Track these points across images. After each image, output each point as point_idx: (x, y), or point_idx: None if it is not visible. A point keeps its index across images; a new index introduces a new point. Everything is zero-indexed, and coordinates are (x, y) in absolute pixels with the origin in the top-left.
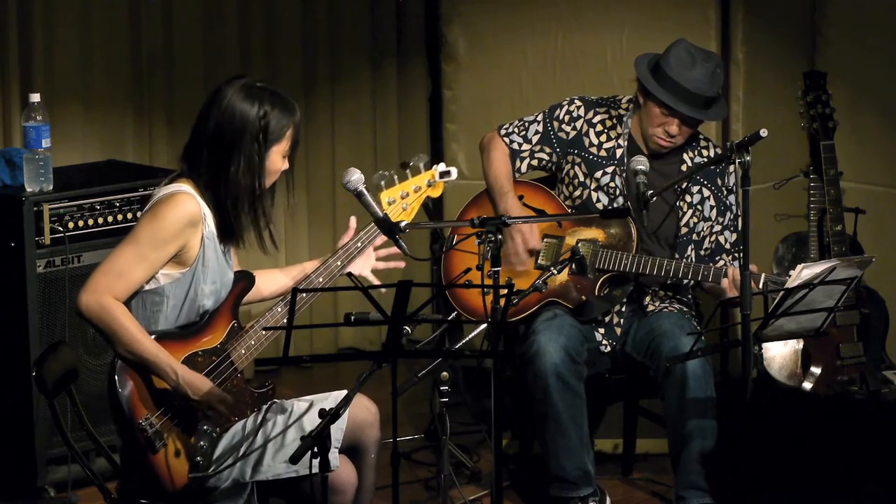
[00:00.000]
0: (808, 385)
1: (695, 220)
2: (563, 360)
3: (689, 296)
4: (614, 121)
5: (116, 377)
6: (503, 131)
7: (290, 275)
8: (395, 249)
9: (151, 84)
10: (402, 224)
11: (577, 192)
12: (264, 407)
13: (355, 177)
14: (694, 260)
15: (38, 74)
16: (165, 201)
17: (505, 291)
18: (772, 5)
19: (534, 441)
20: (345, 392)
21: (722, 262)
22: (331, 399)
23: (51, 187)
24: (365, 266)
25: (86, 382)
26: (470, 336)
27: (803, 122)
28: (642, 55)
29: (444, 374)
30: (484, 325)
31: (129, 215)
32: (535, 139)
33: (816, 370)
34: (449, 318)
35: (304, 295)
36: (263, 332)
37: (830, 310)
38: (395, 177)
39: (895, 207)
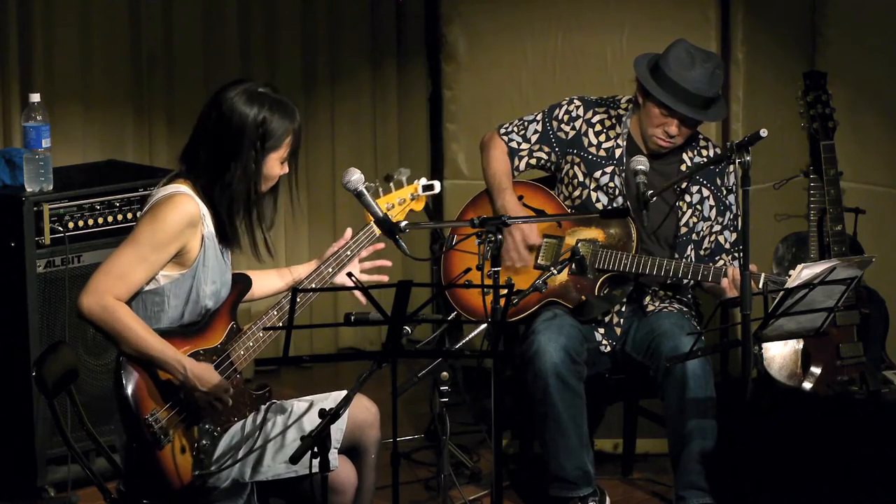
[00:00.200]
0: (808, 385)
1: (694, 219)
2: (562, 360)
3: (689, 296)
4: (613, 121)
5: (122, 372)
6: (503, 130)
7: (284, 279)
8: (379, 262)
9: (151, 84)
10: (403, 224)
11: (577, 192)
12: (263, 407)
13: (355, 177)
14: (694, 260)
15: (38, 74)
16: (165, 202)
17: (505, 291)
18: (772, 5)
19: (534, 441)
20: (345, 392)
21: (722, 262)
22: (331, 399)
23: (51, 187)
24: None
25: (86, 382)
26: (470, 336)
27: (803, 122)
28: (642, 55)
29: (444, 374)
30: (484, 325)
31: (129, 215)
32: (533, 138)
33: (816, 370)
34: (449, 318)
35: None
36: (262, 335)
37: (830, 310)
38: (380, 189)
39: (895, 207)
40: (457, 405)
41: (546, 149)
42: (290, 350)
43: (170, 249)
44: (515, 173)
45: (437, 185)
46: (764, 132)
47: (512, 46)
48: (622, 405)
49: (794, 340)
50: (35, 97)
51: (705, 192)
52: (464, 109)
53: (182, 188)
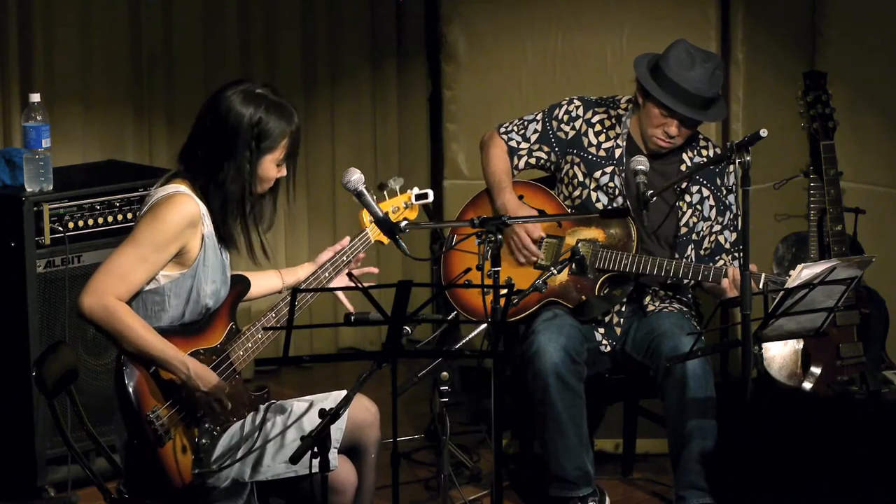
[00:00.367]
0: (808, 385)
1: (694, 219)
2: (562, 360)
3: (689, 296)
4: (613, 121)
5: (124, 369)
6: (502, 129)
7: (282, 278)
8: (367, 269)
9: (151, 84)
10: (403, 224)
11: (577, 192)
12: (262, 407)
13: (355, 177)
14: (694, 260)
15: (38, 74)
16: (164, 202)
17: (505, 291)
18: (772, 5)
19: (534, 441)
20: (345, 392)
21: (722, 262)
22: (331, 399)
23: (51, 187)
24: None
25: (86, 382)
26: (470, 336)
27: (803, 122)
28: (642, 55)
29: (444, 374)
30: (484, 325)
31: (129, 215)
32: (533, 138)
33: (816, 370)
34: (449, 318)
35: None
36: (261, 335)
37: (830, 310)
38: (374, 197)
39: (895, 207)
40: (457, 405)
41: (545, 148)
42: (289, 350)
43: (170, 249)
44: (515, 172)
45: (430, 193)
46: (764, 132)
47: (512, 46)
48: (622, 405)
49: (794, 340)
50: (35, 97)
51: (705, 192)
52: (464, 109)
53: (181, 188)
